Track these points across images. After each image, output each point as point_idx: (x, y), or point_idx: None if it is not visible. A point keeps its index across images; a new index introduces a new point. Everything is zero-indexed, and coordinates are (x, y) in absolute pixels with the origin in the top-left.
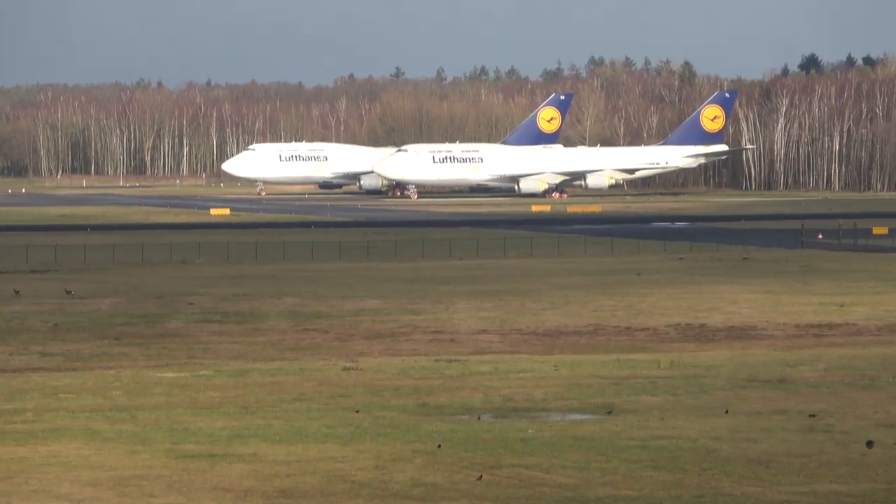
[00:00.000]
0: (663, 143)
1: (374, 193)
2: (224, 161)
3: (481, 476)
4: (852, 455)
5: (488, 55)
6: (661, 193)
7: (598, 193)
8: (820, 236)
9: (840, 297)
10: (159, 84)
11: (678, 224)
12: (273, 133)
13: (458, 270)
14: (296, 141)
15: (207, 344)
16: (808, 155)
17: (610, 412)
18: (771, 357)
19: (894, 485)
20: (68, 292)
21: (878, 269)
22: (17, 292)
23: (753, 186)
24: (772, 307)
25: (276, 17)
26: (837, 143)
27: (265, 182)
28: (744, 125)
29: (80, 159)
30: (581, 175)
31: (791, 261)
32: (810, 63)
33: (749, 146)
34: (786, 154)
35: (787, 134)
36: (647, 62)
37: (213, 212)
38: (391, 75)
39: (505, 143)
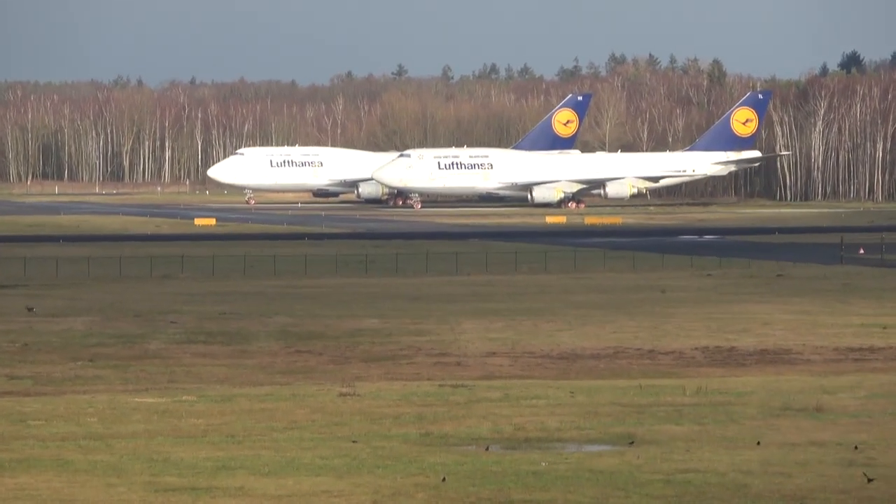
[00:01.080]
0: (690, 149)
1: (373, 202)
2: (210, 166)
3: None
4: None
5: (499, 52)
6: (687, 204)
7: (619, 203)
8: (861, 251)
9: (883, 318)
10: (139, 82)
11: (706, 237)
12: (263, 136)
13: (465, 287)
14: (288, 145)
15: (190, 367)
16: (849, 162)
17: (631, 443)
18: (807, 383)
19: None
20: (30, 309)
21: None
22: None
23: (789, 196)
24: (808, 329)
25: (266, 10)
26: (881, 150)
27: (254, 190)
28: (778, 129)
29: (53, 164)
30: (600, 183)
31: (830, 278)
32: (851, 61)
33: (784, 152)
34: (824, 161)
35: (825, 139)
36: (672, 60)
37: (198, 222)
38: (393, 73)
39: (517, 148)
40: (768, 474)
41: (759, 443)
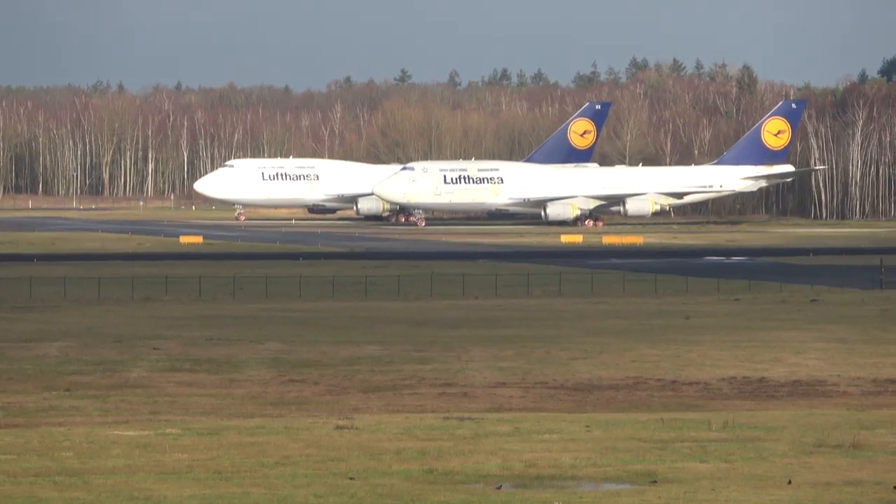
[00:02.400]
0: (717, 163)
1: (373, 219)
2: (196, 179)
3: None
4: None
5: (510, 56)
6: (714, 222)
7: (640, 221)
8: None
9: None
10: (120, 87)
11: (734, 259)
12: (255, 147)
13: (472, 312)
14: (281, 156)
15: (175, 397)
16: (890, 178)
17: (653, 482)
18: (843, 417)
19: None
20: None
21: None
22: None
23: (824, 215)
24: (844, 358)
25: (258, 10)
26: None
27: (245, 205)
28: (813, 141)
29: (26, 176)
30: (619, 199)
31: (868, 304)
32: (893, 67)
33: (819, 167)
34: (863, 176)
35: (864, 152)
36: (698, 65)
37: (184, 240)
38: (395, 79)
39: (529, 160)
40: None
41: (790, 482)
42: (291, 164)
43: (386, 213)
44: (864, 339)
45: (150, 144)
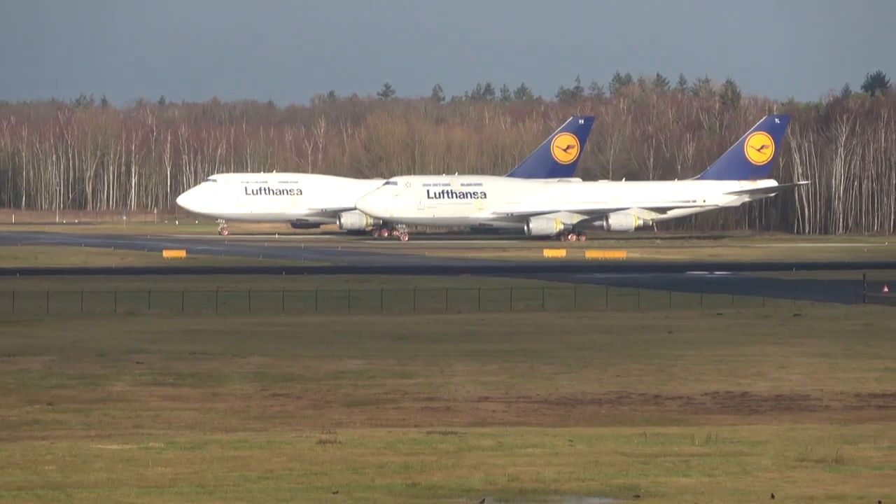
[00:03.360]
0: (701, 178)
1: (357, 234)
2: (179, 194)
3: None
4: None
5: (494, 71)
6: (697, 237)
7: (623, 236)
8: (886, 289)
9: None
10: (103, 102)
11: (717, 274)
12: (238, 161)
13: (455, 326)
14: (264, 171)
15: (158, 411)
16: (873, 192)
17: (636, 496)
18: (826, 432)
19: None
20: None
21: None
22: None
23: (807, 229)
24: (827, 373)
25: (242, 24)
26: None
27: (228, 219)
28: (796, 156)
29: (8, 191)
30: (603, 214)
31: (851, 318)
32: (876, 83)
33: (802, 182)
34: (846, 191)
35: (847, 167)
36: (682, 80)
37: (166, 254)
38: (378, 94)
39: (513, 175)
40: None
41: (773, 496)
42: (274, 179)
43: (369, 228)
44: (847, 354)
45: (133, 159)
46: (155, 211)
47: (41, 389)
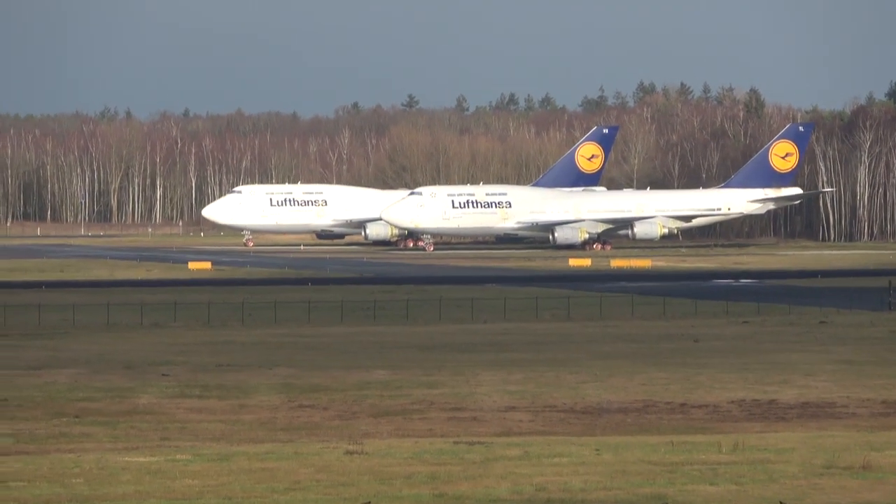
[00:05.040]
0: (725, 186)
1: (382, 244)
2: (204, 206)
3: None
4: None
5: (518, 81)
6: (722, 245)
7: (648, 245)
8: None
9: None
10: (128, 115)
11: (743, 281)
12: (263, 173)
13: (481, 336)
14: (289, 182)
15: (185, 423)
16: None
17: None
18: (852, 439)
19: None
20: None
21: None
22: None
23: (832, 237)
24: (854, 380)
25: (265, 36)
26: None
27: (253, 231)
28: (821, 164)
29: (34, 204)
30: (627, 223)
31: (877, 325)
32: None
33: (827, 189)
34: (870, 198)
35: (872, 174)
36: (705, 89)
37: (192, 266)
38: (403, 105)
39: (537, 185)
40: None
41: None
42: (299, 190)
43: (394, 238)
44: (873, 361)
45: (158, 171)
46: (180, 223)
47: (68, 402)
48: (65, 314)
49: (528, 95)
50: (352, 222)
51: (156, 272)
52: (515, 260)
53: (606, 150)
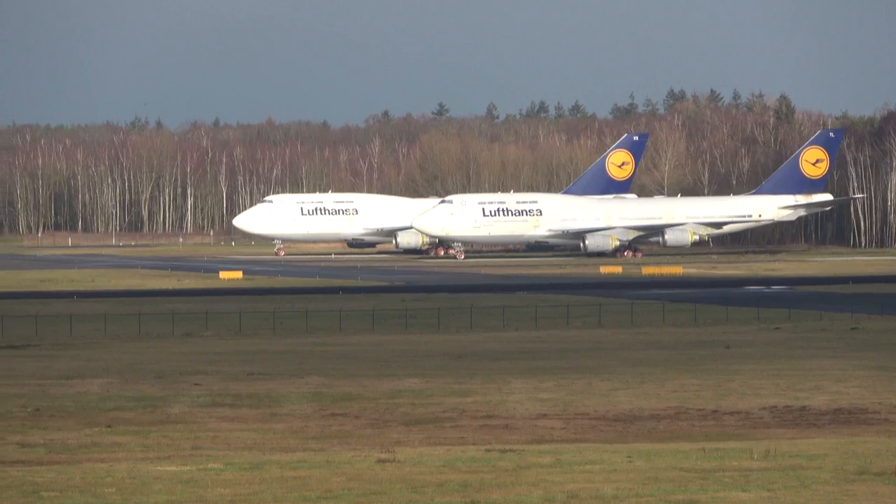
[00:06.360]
0: (756, 192)
1: (413, 253)
2: (235, 215)
3: None
4: None
5: (548, 89)
6: (753, 252)
7: (679, 252)
8: None
9: None
10: (158, 124)
11: (774, 288)
12: (293, 182)
13: (512, 344)
14: (320, 191)
15: (216, 432)
16: None
17: None
18: (885, 445)
19: None
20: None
21: None
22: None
23: (863, 243)
24: (886, 386)
25: (295, 46)
26: None
27: (284, 240)
28: (852, 170)
29: (65, 214)
30: (658, 230)
31: None
32: None
33: (858, 195)
34: None
35: None
36: (735, 95)
37: (223, 275)
38: (433, 113)
39: (568, 192)
40: None
41: None
42: (330, 199)
43: (425, 247)
44: None
45: (188, 181)
46: (211, 232)
47: (100, 412)
48: (96, 324)
49: (558, 103)
50: (382, 231)
51: (187, 282)
52: (546, 268)
53: (637, 158)
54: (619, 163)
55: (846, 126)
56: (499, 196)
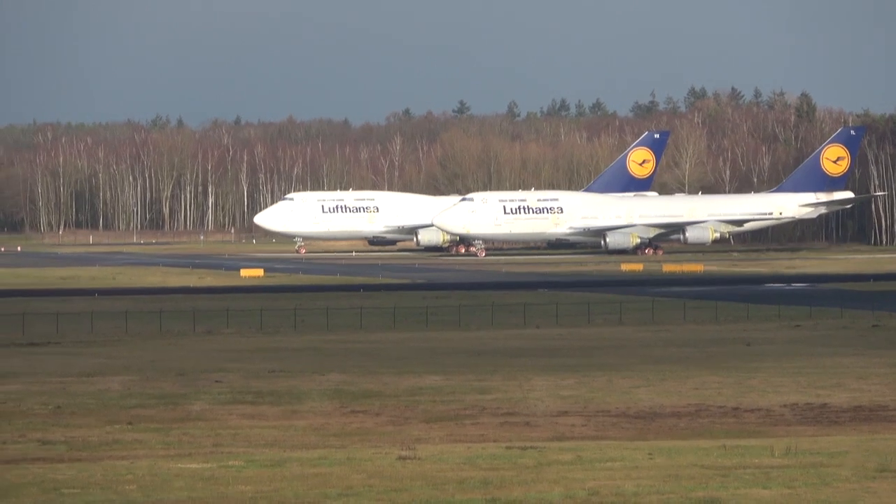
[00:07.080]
0: (777, 190)
1: (433, 250)
2: (256, 213)
3: None
4: None
5: (568, 87)
6: (774, 249)
7: (700, 249)
8: None
9: None
10: (179, 123)
11: (795, 286)
12: (314, 180)
13: (533, 341)
14: (341, 189)
15: (237, 429)
16: None
17: None
18: None
19: None
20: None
21: None
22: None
23: (884, 240)
24: None
25: (316, 44)
26: None
27: (305, 238)
28: (873, 168)
29: (86, 212)
30: (679, 228)
31: None
32: None
33: (879, 193)
34: None
35: None
36: (756, 94)
37: (244, 273)
38: (454, 111)
39: (589, 190)
40: None
41: None
42: (351, 197)
43: (446, 244)
44: None
45: (209, 179)
46: (232, 230)
47: (121, 409)
48: (118, 321)
49: (579, 101)
50: (403, 228)
51: (208, 279)
52: (567, 265)
53: (658, 155)
54: (639, 161)
55: (867, 124)
56: (519, 194)
